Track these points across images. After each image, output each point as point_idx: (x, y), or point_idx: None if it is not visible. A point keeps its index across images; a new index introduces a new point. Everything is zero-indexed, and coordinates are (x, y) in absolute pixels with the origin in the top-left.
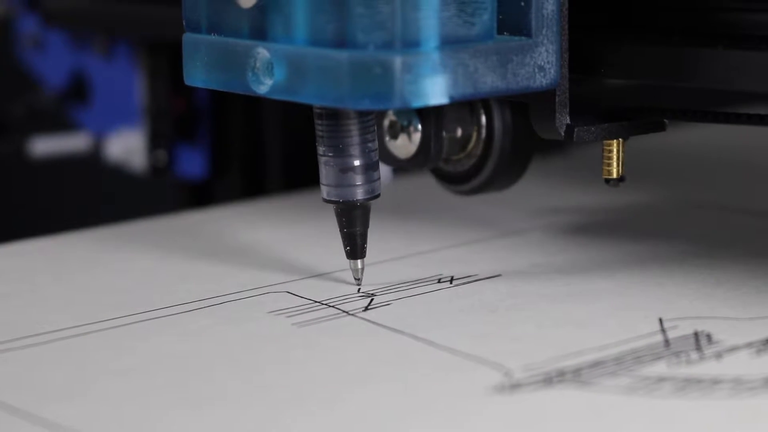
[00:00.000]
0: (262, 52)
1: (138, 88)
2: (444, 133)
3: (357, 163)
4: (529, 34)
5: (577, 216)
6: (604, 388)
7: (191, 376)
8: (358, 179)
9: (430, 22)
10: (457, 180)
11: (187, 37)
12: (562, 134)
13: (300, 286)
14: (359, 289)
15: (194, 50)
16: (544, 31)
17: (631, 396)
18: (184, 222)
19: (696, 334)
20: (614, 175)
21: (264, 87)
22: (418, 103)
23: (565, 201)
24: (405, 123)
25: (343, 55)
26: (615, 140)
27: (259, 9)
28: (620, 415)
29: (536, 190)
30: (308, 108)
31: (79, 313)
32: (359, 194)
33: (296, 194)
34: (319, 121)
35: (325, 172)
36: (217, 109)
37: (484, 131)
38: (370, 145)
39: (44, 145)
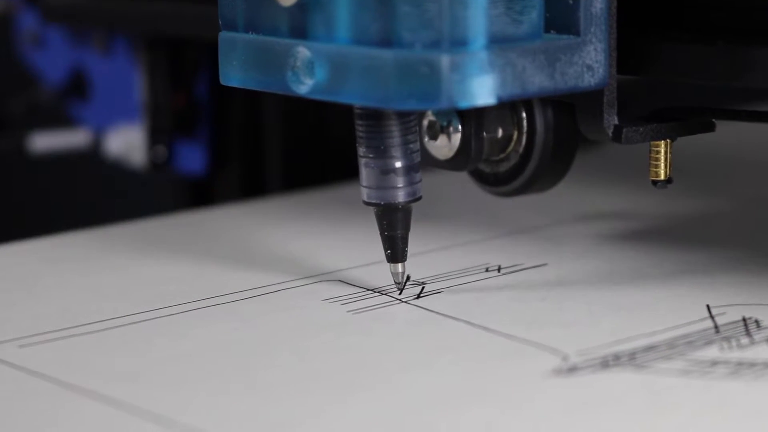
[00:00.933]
0: (303, 51)
1: (137, 84)
2: (484, 134)
3: (398, 164)
4: (577, 33)
5: (615, 213)
6: (659, 371)
7: (251, 362)
8: (400, 181)
9: (478, 20)
10: (496, 182)
11: (224, 36)
12: (610, 135)
13: (348, 275)
14: (401, 292)
15: (230, 49)
16: (592, 30)
17: (686, 378)
18: (225, 216)
19: (744, 320)
20: (662, 177)
21: (304, 87)
22: (465, 104)
23: (599, 200)
24: (444, 123)
25: (388, 55)
26: (663, 141)
27: (300, 7)
28: (677, 396)
29: (573, 188)
30: (308, 104)
31: (136, 302)
32: (401, 196)
33: (320, 190)
34: (360, 122)
35: (366, 174)
36: (217, 105)
37: (525, 131)
38: (411, 146)
39: (44, 141)
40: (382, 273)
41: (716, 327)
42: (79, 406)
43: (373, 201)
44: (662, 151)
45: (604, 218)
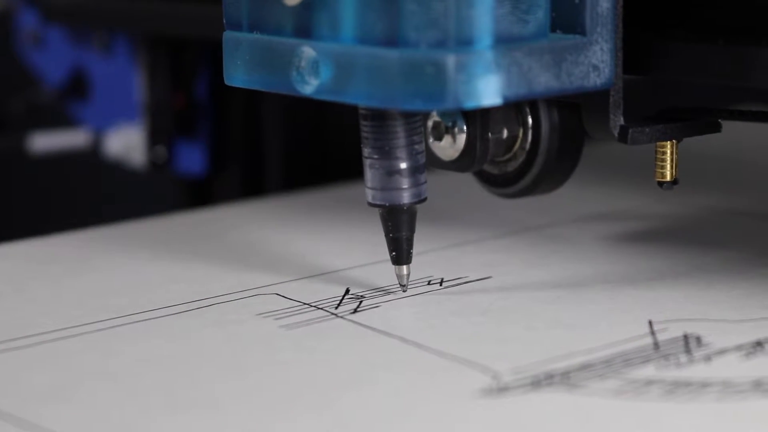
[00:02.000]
0: (308, 51)
1: (137, 84)
2: (490, 134)
3: (404, 165)
4: (583, 32)
5: (568, 217)
6: (592, 391)
7: (178, 380)
8: (405, 182)
9: (484, 19)
10: (501, 183)
11: (228, 36)
12: (616, 135)
13: (290, 287)
14: (404, 290)
15: (234, 49)
16: (598, 30)
17: (619, 399)
18: (181, 222)
19: (686, 337)
20: (668, 178)
21: (309, 87)
22: (471, 104)
23: (556, 202)
24: (449, 124)
25: (393, 54)
26: (669, 142)
27: (304, 6)
28: (608, 417)
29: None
30: (308, 104)
31: (66, 316)
32: (406, 198)
33: (297, 193)
34: (365, 123)
35: (371, 175)
36: (217, 105)
37: (530, 132)
38: (417, 147)
39: (44, 141)
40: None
41: (656, 344)
42: None
43: (378, 202)
44: (668, 152)
45: (552, 226)
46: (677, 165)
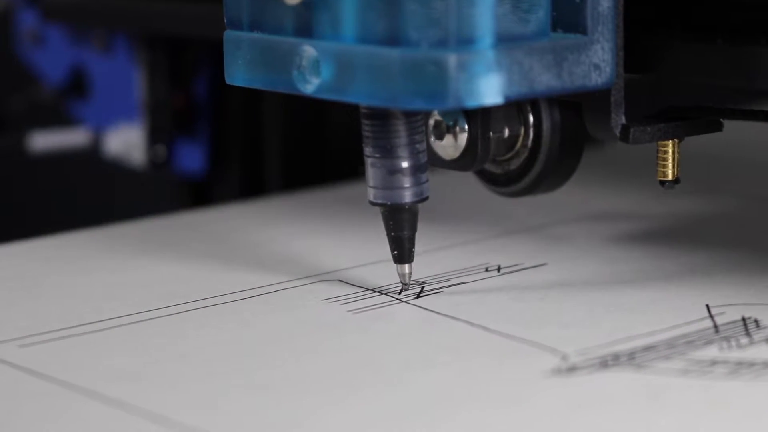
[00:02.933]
0: (309, 50)
1: (137, 83)
2: (491, 134)
3: (405, 164)
4: (584, 32)
5: (616, 213)
6: (659, 371)
7: (250, 362)
8: (407, 181)
9: (485, 18)
10: (503, 182)
11: (228, 35)
12: (618, 135)
13: (348, 275)
14: (401, 291)
15: (235, 48)
16: (599, 29)
17: (685, 378)
18: (225, 216)
19: (744, 320)
20: (670, 177)
21: (310, 86)
22: (472, 103)
23: (600, 199)
24: (451, 123)
25: (394, 53)
26: (670, 141)
27: (305, 5)
28: (676, 395)
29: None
30: (308, 104)
31: (136, 302)
32: (407, 197)
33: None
34: (366, 122)
35: (372, 174)
36: (217, 104)
37: (531, 131)
38: (418, 146)
39: (43, 140)
40: (382, 272)
41: (716, 327)
42: (80, 405)
43: (380, 201)
44: (670, 150)
45: (604, 218)
46: (679, 164)
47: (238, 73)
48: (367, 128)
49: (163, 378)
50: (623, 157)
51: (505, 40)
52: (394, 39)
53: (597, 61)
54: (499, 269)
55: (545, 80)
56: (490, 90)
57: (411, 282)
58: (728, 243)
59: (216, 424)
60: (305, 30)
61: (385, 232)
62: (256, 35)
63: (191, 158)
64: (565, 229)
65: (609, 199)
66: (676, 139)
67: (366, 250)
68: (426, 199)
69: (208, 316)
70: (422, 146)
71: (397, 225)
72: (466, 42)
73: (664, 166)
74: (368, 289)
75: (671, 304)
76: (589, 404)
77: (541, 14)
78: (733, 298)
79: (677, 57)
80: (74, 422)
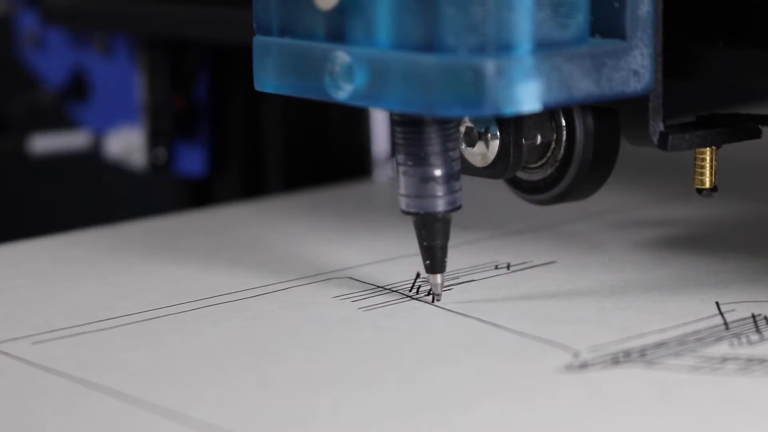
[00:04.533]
0: (342, 56)
1: (138, 85)
2: (523, 140)
3: (438, 172)
4: (623, 37)
5: (625, 213)
6: (670, 367)
7: (263, 358)
8: (440, 190)
9: (524, 24)
10: (534, 189)
11: (258, 40)
12: (656, 142)
13: (349, 275)
14: (433, 300)
15: (265, 54)
16: (638, 34)
17: (697, 374)
18: (226, 215)
19: (754, 317)
20: (707, 185)
21: (343, 93)
22: (510, 110)
23: (608, 198)
24: (482, 129)
25: (431, 60)
26: (708, 148)
27: (338, 10)
28: (688, 392)
29: None
30: (308, 104)
31: (147, 299)
32: (440, 205)
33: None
34: (399, 129)
35: (405, 182)
36: (217, 106)
37: (564, 138)
38: (451, 153)
39: (44, 143)
40: (383, 272)
41: (726, 324)
42: (93, 402)
43: (412, 210)
44: (707, 158)
45: (612, 217)
46: (716, 172)
47: (267, 80)
48: (399, 135)
49: (175, 374)
50: (634, 158)
51: (543, 46)
52: (430, 45)
53: (636, 67)
54: (508, 267)
55: (584, 87)
56: (528, 97)
57: (420, 279)
58: (734, 242)
59: (229, 419)
60: (338, 35)
61: (394, 234)
62: (286, 41)
63: (192, 161)
64: (573, 228)
65: (616, 197)
66: (714, 147)
67: (370, 248)
68: (459, 207)
69: (219, 314)
70: (455, 154)
71: (429, 234)
72: (504, 48)
73: (702, 174)
74: (379, 287)
75: (680, 303)
76: (602, 400)
77: (580, 19)
78: (743, 296)
79: (716, 63)
80: (87, 418)
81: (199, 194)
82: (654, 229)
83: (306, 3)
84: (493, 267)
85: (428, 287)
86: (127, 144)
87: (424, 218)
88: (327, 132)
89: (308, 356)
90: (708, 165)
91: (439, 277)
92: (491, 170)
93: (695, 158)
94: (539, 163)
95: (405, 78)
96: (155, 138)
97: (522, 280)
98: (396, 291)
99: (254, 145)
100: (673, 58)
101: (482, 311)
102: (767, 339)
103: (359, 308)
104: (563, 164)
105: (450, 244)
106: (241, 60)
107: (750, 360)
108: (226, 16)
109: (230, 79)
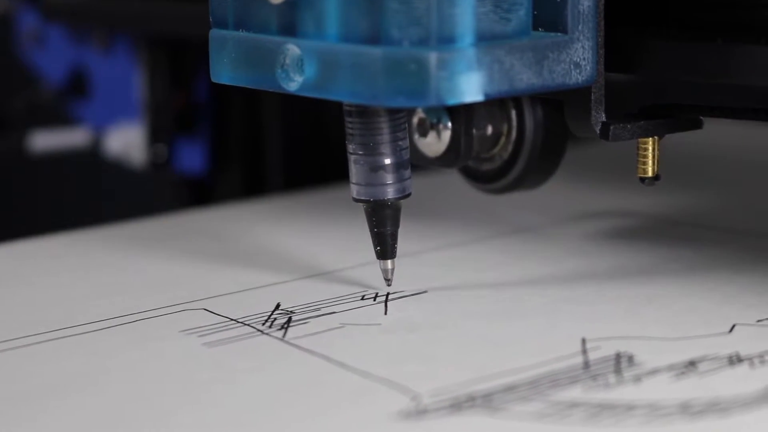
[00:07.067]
0: (292, 49)
1: (138, 82)
2: (474, 131)
3: (388, 161)
4: (565, 30)
5: (504, 227)
6: (513, 414)
7: (89, 400)
8: (389, 178)
9: (465, 17)
10: (486, 179)
11: (214, 34)
12: (598, 132)
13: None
14: (387, 286)
15: (221, 47)
16: (580, 27)
17: (540, 423)
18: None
19: (618, 356)
20: (650, 174)
21: (294, 84)
22: (453, 101)
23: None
24: (434, 120)
25: (376, 52)
26: (650, 138)
27: (289, 5)
28: None
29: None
30: (308, 104)
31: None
32: (390, 193)
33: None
34: (349, 119)
35: (355, 171)
36: (217, 104)
37: (515, 129)
38: (401, 143)
39: (44, 140)
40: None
41: (586, 363)
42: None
43: (363, 198)
44: (650, 148)
45: (492, 236)
46: (659, 161)
47: (223, 72)
48: (350, 125)
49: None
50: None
51: (485, 39)
52: (376, 38)
53: (577, 60)
54: (375, 297)
55: (526, 78)
56: (470, 88)
57: (278, 311)
58: (619, 270)
59: None
60: (289, 29)
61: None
62: (241, 34)
63: (192, 158)
64: (447, 255)
65: (525, 220)
66: (656, 137)
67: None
68: (408, 195)
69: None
70: (405, 143)
71: (379, 221)
72: (446, 40)
73: (644, 163)
74: (232, 320)
75: (546, 338)
76: None
77: (522, 13)
78: (614, 331)
79: (657, 55)
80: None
81: (198, 192)
82: (536, 251)
83: None
84: (360, 297)
85: (284, 320)
86: (127, 141)
87: (374, 206)
88: (327, 132)
89: (137, 397)
90: (650, 155)
91: (389, 263)
92: (443, 160)
93: (638, 148)
94: (491, 153)
95: (352, 70)
96: (155, 135)
97: (387, 312)
98: (248, 325)
99: (254, 144)
100: (616, 50)
101: (332, 348)
102: (625, 381)
103: (203, 344)
104: (513, 154)
105: (317, 272)
106: None
107: (600, 406)
108: None
109: None
